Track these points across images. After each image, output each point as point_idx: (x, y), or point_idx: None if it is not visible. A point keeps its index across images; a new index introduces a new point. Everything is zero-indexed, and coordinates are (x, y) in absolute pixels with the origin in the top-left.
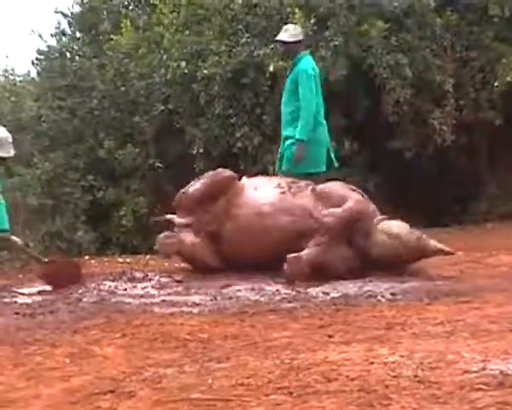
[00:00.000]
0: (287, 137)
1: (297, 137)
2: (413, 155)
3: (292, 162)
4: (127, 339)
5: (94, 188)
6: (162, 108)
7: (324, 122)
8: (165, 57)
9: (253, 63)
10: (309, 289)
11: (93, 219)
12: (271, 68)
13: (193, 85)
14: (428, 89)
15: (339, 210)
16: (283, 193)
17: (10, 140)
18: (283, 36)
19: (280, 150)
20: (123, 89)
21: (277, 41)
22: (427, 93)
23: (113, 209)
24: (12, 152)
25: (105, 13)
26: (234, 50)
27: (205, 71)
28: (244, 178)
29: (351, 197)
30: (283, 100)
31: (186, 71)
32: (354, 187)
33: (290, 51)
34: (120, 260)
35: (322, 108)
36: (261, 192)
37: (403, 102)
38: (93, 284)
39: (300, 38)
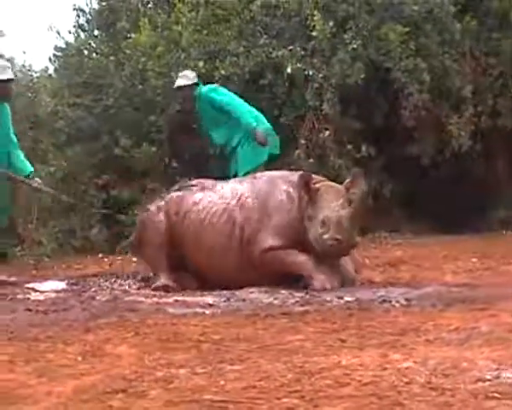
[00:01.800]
0: (226, 147)
1: (250, 128)
2: (430, 161)
3: (245, 162)
4: (140, 338)
5: (109, 186)
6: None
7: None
8: (182, 57)
9: (271, 64)
10: (322, 293)
11: (107, 218)
12: (289, 70)
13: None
14: (447, 94)
15: None
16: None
17: (8, 65)
18: (181, 81)
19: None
20: (140, 87)
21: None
22: (446, 99)
23: (127, 208)
24: (9, 74)
25: (123, 10)
26: (252, 51)
27: (222, 71)
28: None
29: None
30: (211, 132)
31: (204, 71)
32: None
33: (189, 94)
34: (134, 258)
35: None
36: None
37: (421, 107)
38: (107, 283)
39: (196, 80)
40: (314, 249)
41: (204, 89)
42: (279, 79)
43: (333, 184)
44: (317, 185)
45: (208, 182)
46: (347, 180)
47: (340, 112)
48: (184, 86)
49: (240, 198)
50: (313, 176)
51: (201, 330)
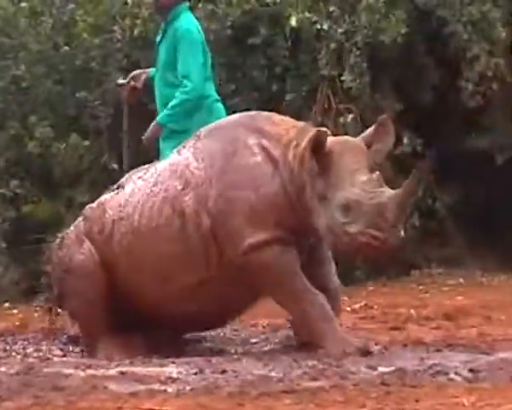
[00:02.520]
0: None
1: (158, 119)
2: (506, 159)
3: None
4: None
5: (19, 199)
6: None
7: (220, 99)
8: (130, 2)
9: (267, 14)
10: (345, 360)
11: (18, 247)
12: (293, 22)
13: None
14: None
15: None
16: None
17: None
18: None
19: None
20: (66, 49)
21: None
22: None
23: (48, 232)
24: None
25: None
26: None
27: None
28: None
29: None
30: (156, 78)
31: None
32: None
33: (162, 4)
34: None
35: (213, 84)
36: None
37: (491, 77)
38: (16, 346)
39: None
40: (323, 244)
41: (186, 23)
42: (278, 37)
43: (348, 138)
44: (328, 144)
45: (135, 172)
46: (368, 131)
47: (370, 85)
48: None
49: (183, 174)
50: (297, 128)
51: None
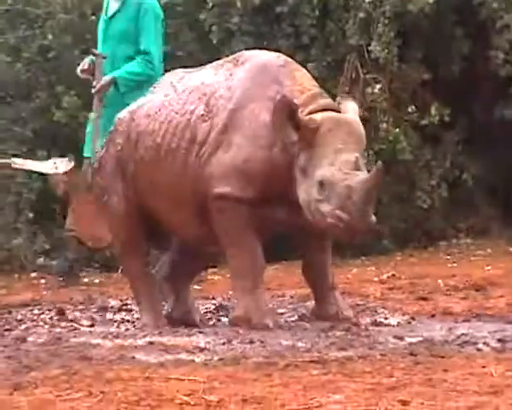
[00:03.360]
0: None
1: (116, 75)
2: None
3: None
4: (94, 402)
5: None
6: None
7: None
8: None
9: None
10: (372, 329)
11: (43, 219)
12: None
13: (200, 15)
14: None
15: None
16: None
17: None
18: None
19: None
20: (93, 18)
21: None
22: None
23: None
24: None
25: None
26: None
27: None
28: None
29: None
30: (109, 51)
31: None
32: None
33: None
34: (85, 279)
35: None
36: None
37: None
38: (43, 316)
39: None
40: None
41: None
42: (305, 6)
43: (344, 116)
44: (318, 117)
45: (174, 74)
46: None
47: (398, 55)
48: None
49: (209, 99)
50: (313, 93)
51: (189, 387)
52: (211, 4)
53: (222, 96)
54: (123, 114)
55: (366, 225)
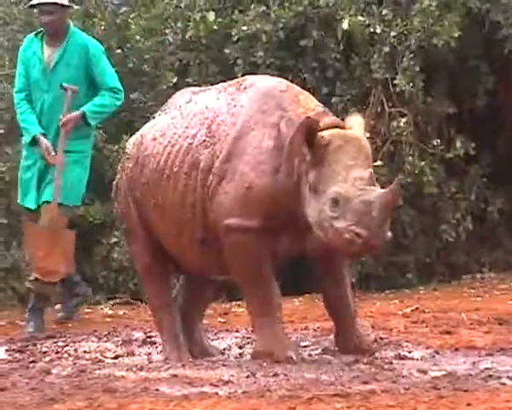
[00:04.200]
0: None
1: (85, 110)
2: None
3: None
4: None
5: None
6: (175, 79)
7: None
8: (182, 5)
9: (319, 17)
10: (396, 363)
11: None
12: (346, 25)
13: (225, 49)
14: None
15: None
16: None
17: None
18: None
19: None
20: (118, 52)
21: (42, 4)
22: None
23: (100, 234)
24: None
25: None
26: None
27: (244, 27)
28: None
29: None
30: (53, 98)
31: (215, 27)
32: None
33: (61, 23)
34: (110, 311)
35: None
36: None
37: None
38: (68, 348)
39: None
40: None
41: (84, 35)
42: (330, 39)
43: (351, 133)
44: (326, 135)
45: (186, 93)
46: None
47: (423, 89)
48: (53, 4)
49: (211, 124)
50: (319, 111)
51: None
52: (236, 38)
53: (224, 122)
54: (135, 137)
55: (382, 240)
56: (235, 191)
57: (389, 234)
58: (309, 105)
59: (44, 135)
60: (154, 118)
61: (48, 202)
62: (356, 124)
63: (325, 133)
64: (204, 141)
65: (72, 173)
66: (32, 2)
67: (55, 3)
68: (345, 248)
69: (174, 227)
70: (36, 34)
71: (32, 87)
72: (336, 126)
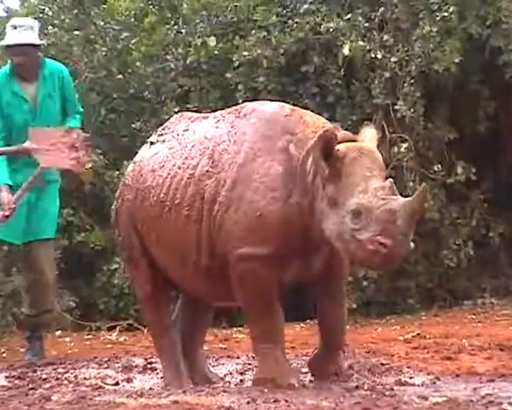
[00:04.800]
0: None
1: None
2: None
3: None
4: None
5: (72, 227)
6: (177, 108)
7: None
8: (183, 31)
9: (319, 43)
10: (396, 389)
11: (70, 276)
12: (346, 51)
13: (226, 75)
14: None
15: None
16: None
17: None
18: (28, 36)
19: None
20: (120, 77)
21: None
22: None
23: (100, 260)
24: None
25: None
26: (290, 22)
27: (245, 53)
28: None
29: None
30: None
31: (216, 52)
32: None
33: (36, 60)
34: (110, 337)
35: None
36: None
37: None
38: (68, 374)
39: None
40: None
41: (52, 61)
42: (331, 65)
43: (365, 145)
44: (342, 148)
45: (182, 120)
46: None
47: (424, 114)
48: (28, 45)
49: (212, 154)
50: (329, 127)
51: None
52: (237, 63)
53: (227, 151)
54: (132, 166)
55: (406, 249)
56: (245, 219)
57: (412, 245)
58: (317, 124)
59: (11, 187)
60: (150, 143)
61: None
62: (369, 137)
63: (340, 147)
64: (207, 171)
65: (55, 205)
66: (4, 43)
67: (29, 44)
68: (368, 259)
69: (177, 258)
70: (6, 72)
71: (17, 129)
72: (349, 140)
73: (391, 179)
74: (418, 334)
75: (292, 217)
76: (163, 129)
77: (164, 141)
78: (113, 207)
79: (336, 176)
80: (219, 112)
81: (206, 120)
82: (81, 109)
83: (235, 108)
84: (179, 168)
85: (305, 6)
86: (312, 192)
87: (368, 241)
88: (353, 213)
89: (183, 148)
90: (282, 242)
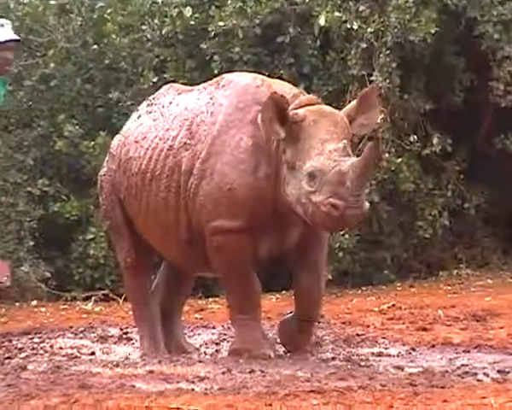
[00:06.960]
0: None
1: None
2: None
3: None
4: None
5: (47, 197)
6: (155, 79)
7: None
8: (159, 1)
9: (295, 13)
10: (372, 359)
11: (45, 246)
12: (322, 21)
13: (202, 45)
14: None
15: None
16: None
17: None
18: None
19: None
20: (95, 48)
21: None
22: None
23: (76, 231)
24: None
25: None
26: None
27: (220, 23)
28: None
29: None
30: None
31: (192, 22)
32: None
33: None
34: (86, 307)
35: None
36: None
37: None
38: (44, 344)
39: None
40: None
41: None
42: (307, 36)
43: (327, 108)
44: (301, 112)
45: (170, 92)
46: (352, 103)
47: (400, 85)
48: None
49: (191, 125)
50: (294, 93)
51: None
52: (212, 34)
53: (204, 122)
54: (118, 137)
55: (360, 210)
56: (217, 192)
57: (367, 205)
58: (283, 89)
59: None
60: (138, 115)
61: None
62: None
63: (301, 110)
64: (185, 143)
65: None
66: None
67: None
68: (323, 221)
69: (159, 229)
70: None
71: None
72: (313, 104)
73: (344, 141)
74: (393, 305)
75: (261, 190)
76: (151, 100)
77: (149, 112)
78: (99, 175)
79: (294, 139)
80: (203, 84)
81: (190, 92)
82: None
83: (216, 79)
84: (160, 140)
85: None
86: (276, 160)
87: (321, 203)
88: (309, 175)
89: (165, 119)
90: (254, 215)
